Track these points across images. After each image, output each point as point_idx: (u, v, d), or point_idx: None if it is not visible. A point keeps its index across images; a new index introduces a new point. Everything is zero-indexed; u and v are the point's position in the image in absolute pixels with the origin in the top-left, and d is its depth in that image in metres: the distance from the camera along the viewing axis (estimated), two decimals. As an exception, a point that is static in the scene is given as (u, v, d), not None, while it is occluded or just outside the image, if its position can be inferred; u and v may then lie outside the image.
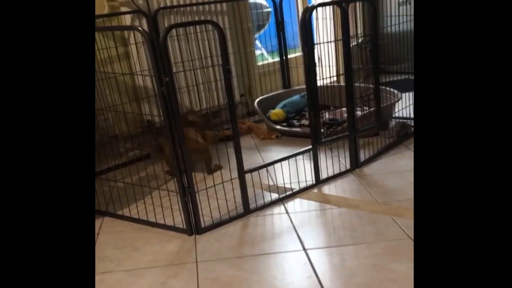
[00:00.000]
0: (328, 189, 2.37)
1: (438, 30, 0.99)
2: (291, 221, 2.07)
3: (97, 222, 2.21)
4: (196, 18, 3.19)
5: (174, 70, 3.08)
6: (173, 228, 2.08)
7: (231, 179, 2.13)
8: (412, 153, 2.70)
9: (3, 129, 0.90)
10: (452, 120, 0.96)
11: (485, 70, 0.95)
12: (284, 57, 3.75)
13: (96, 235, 2.08)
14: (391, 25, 3.52)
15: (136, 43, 2.94)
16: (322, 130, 2.47)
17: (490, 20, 0.95)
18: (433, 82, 0.99)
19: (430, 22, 0.99)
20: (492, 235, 0.91)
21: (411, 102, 3.37)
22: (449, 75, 0.98)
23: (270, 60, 4.03)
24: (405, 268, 1.64)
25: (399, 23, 3.56)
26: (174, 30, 2.95)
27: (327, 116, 3.13)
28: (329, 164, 2.58)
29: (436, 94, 0.98)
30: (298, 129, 3.21)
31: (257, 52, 4.08)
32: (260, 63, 3.94)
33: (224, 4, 3.37)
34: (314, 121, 2.33)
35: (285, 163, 2.43)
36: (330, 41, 2.70)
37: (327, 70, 2.68)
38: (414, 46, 1.14)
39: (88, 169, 0.98)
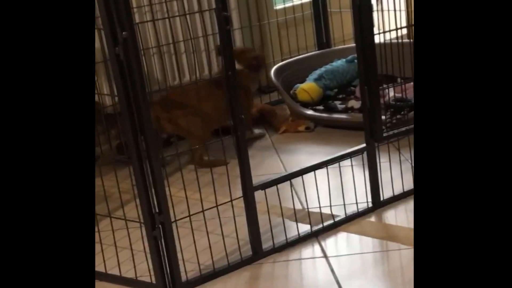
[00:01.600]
0: (394, 217, 2.38)
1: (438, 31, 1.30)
2: (332, 271, 2.08)
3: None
4: None
5: (137, 19, 3.10)
6: (134, 283, 2.09)
7: (231, 200, 2.13)
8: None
9: None
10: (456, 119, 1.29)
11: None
12: (319, -4, 3.77)
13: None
14: None
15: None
16: (383, 117, 2.46)
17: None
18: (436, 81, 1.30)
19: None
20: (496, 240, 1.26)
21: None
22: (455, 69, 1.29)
23: (297, 1, 4.04)
24: None
25: None
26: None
27: (391, 94, 3.12)
28: (396, 174, 2.54)
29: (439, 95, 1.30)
30: (342, 116, 3.23)
31: (275, -12, 4.08)
32: (279, 6, 3.94)
33: None
34: (370, 102, 2.34)
35: (321, 172, 2.37)
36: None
37: (392, 18, 2.66)
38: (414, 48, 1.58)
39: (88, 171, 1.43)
